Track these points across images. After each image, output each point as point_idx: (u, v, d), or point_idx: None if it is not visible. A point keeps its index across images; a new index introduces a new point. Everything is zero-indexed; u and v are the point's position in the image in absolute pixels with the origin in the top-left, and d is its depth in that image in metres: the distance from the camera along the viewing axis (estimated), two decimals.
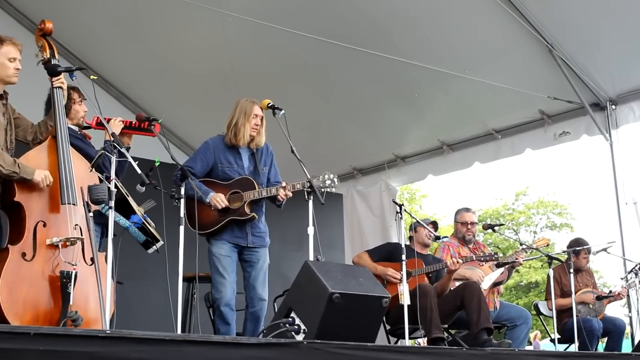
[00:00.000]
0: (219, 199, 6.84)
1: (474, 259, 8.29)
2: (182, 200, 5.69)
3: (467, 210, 9.28)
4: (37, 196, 5.35)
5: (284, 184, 6.90)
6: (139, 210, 6.25)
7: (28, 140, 5.87)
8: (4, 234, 5.47)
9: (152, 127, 6.25)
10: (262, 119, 7.11)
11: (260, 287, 6.95)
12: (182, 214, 5.64)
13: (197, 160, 7.01)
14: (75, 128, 6.42)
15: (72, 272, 5.15)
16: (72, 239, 5.27)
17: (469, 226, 9.04)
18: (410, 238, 8.64)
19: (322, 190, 7.08)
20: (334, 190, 7.15)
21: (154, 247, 6.16)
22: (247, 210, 6.92)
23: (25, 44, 5.77)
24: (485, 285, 8.48)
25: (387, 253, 8.31)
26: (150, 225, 6.23)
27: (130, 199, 6.19)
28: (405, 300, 7.05)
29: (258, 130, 7.09)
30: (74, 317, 4.91)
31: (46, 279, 5.16)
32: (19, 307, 5.01)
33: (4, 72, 5.60)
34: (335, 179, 6.93)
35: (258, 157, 7.19)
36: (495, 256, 8.30)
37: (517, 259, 8.62)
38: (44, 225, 5.27)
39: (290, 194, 6.88)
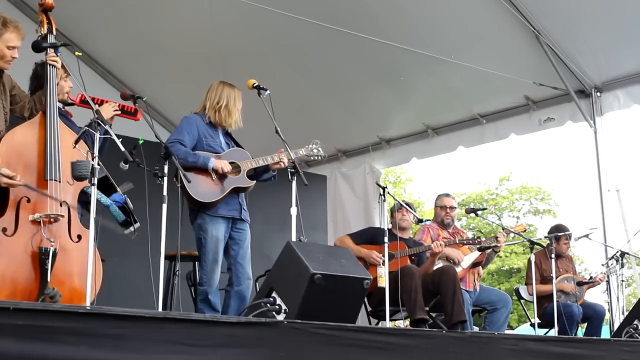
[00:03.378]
0: (224, 162, 6.84)
1: (457, 242, 8.40)
2: (165, 179, 5.67)
3: (447, 195, 9.42)
4: (21, 172, 5.29)
5: (281, 150, 6.97)
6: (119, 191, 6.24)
7: (25, 116, 5.83)
8: None
9: (136, 112, 6.25)
10: None
11: (247, 265, 6.98)
12: (164, 192, 5.62)
13: (184, 133, 6.92)
14: (60, 104, 6.37)
15: (49, 248, 5.15)
16: (52, 216, 5.25)
17: (448, 210, 9.17)
18: (392, 223, 8.69)
19: (312, 158, 7.23)
20: (319, 158, 7.27)
21: (131, 228, 6.14)
22: (247, 179, 6.98)
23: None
24: (464, 264, 8.57)
25: (370, 237, 8.35)
26: (128, 206, 6.20)
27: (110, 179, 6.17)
28: (385, 282, 7.07)
29: None
30: (51, 293, 4.89)
31: (28, 255, 5.14)
32: None
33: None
34: (320, 148, 7.32)
35: (231, 134, 7.27)
36: (478, 240, 8.40)
37: (497, 240, 8.68)
38: (28, 201, 5.25)
39: (293, 158, 6.87)
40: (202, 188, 6.74)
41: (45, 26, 5.79)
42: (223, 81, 7.23)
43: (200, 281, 6.90)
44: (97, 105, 5.72)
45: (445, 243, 8.22)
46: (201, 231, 6.84)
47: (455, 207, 9.29)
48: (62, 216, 5.32)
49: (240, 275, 6.91)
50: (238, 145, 7.23)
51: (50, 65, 5.70)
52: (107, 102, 6.28)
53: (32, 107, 5.85)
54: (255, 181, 7.04)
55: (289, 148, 6.75)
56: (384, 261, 7.42)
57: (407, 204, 8.46)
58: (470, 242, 8.46)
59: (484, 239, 8.83)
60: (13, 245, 5.11)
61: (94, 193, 4.97)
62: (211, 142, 7.02)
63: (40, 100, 5.83)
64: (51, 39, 5.78)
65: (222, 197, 6.81)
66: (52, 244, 5.18)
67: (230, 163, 6.93)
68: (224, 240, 6.89)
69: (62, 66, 6.08)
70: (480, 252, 8.70)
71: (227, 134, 7.24)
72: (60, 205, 5.35)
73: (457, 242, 8.47)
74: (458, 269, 8.36)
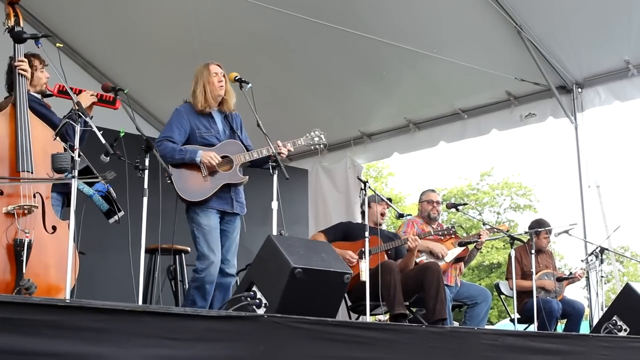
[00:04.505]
0: (212, 155, 6.70)
1: (433, 233, 8.46)
2: (146, 172, 5.64)
3: (433, 190, 9.52)
4: None
5: (279, 142, 6.82)
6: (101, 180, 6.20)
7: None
8: None
9: (115, 100, 6.22)
10: (224, 76, 6.99)
11: (232, 258, 6.89)
12: (145, 185, 5.60)
13: (174, 128, 6.80)
14: (38, 96, 6.32)
15: (24, 240, 5.12)
16: (25, 207, 5.23)
17: (435, 204, 9.23)
18: (363, 213, 8.67)
19: (312, 147, 7.16)
20: (321, 146, 7.21)
21: (116, 217, 6.11)
22: (239, 174, 6.86)
23: None
24: (447, 258, 8.61)
25: (342, 232, 8.36)
26: (111, 195, 6.17)
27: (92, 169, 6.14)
28: (366, 276, 7.07)
29: (225, 88, 6.99)
30: (26, 285, 4.87)
31: (3, 247, 5.11)
32: None
33: None
34: (322, 136, 7.16)
35: (231, 121, 7.08)
36: (453, 230, 8.47)
37: (479, 236, 8.72)
38: (1, 193, 5.22)
39: (292, 149, 6.90)
40: (190, 185, 6.65)
41: (12, 18, 5.74)
42: (201, 63, 7.10)
43: (196, 269, 6.68)
44: (75, 96, 5.69)
45: (420, 235, 8.27)
46: (193, 223, 6.73)
47: (441, 202, 9.35)
48: (36, 207, 5.29)
49: (224, 268, 6.82)
50: (231, 129, 7.05)
51: (18, 72, 5.68)
52: (84, 91, 6.25)
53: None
54: (247, 177, 6.90)
55: (270, 141, 6.70)
56: (360, 256, 7.44)
57: (387, 198, 8.48)
58: (446, 232, 8.52)
59: (464, 235, 8.88)
60: None
61: (75, 186, 4.94)
62: (205, 134, 6.87)
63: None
64: (18, 29, 5.73)
65: (210, 195, 6.72)
66: (27, 235, 5.16)
67: (223, 157, 6.79)
68: (218, 227, 6.77)
69: (38, 57, 6.06)
70: (463, 248, 8.74)
71: (227, 120, 7.09)
72: (34, 196, 5.33)
73: (433, 233, 8.52)
74: (440, 263, 8.39)
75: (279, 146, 6.82)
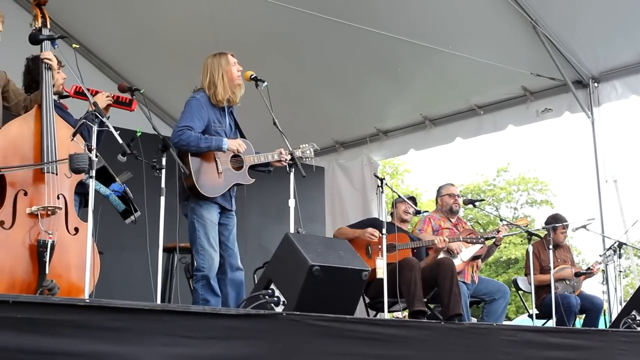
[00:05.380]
0: (239, 142, 6.67)
1: (462, 239, 8.41)
2: (163, 171, 5.65)
3: (452, 184, 9.47)
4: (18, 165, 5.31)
5: (282, 150, 6.78)
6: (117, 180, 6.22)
7: (20, 114, 5.78)
8: None
9: (131, 102, 6.23)
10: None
11: (237, 251, 6.80)
12: (162, 185, 5.61)
13: (195, 118, 6.56)
14: (55, 97, 6.32)
15: (48, 240, 5.14)
16: (50, 208, 5.25)
17: (456, 197, 9.21)
18: (392, 214, 8.69)
19: (304, 159, 7.11)
20: (313, 162, 7.18)
21: (132, 217, 6.11)
22: (248, 175, 6.80)
23: (13, 16, 5.70)
24: (464, 257, 8.56)
25: (370, 225, 8.32)
26: (128, 195, 6.17)
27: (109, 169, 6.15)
28: (384, 274, 7.06)
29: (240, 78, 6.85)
30: (49, 285, 4.88)
31: (26, 248, 5.14)
32: None
33: None
34: (312, 149, 7.09)
35: (234, 114, 7.00)
36: (482, 239, 8.41)
37: (498, 232, 8.68)
38: (25, 194, 5.24)
39: (290, 150, 6.78)
40: (206, 181, 6.54)
41: (40, 20, 5.77)
42: (212, 54, 6.94)
43: (198, 267, 6.59)
44: (92, 96, 5.70)
45: (448, 239, 8.24)
46: (194, 215, 6.59)
47: (460, 196, 9.34)
48: (60, 208, 5.32)
49: (233, 261, 6.74)
50: (236, 125, 6.99)
51: (43, 62, 5.69)
52: (100, 92, 6.27)
53: (27, 105, 5.81)
54: (254, 179, 6.90)
55: (287, 140, 6.69)
56: (379, 240, 7.43)
57: (409, 198, 8.47)
58: (475, 240, 8.45)
59: (487, 231, 8.85)
60: (11, 238, 5.11)
61: (92, 185, 4.96)
62: (218, 128, 6.73)
63: (37, 99, 5.78)
64: (46, 33, 5.76)
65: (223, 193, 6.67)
66: (50, 236, 5.18)
67: (235, 156, 6.74)
68: (217, 223, 6.71)
69: (55, 57, 6.07)
70: (481, 246, 8.70)
71: (232, 114, 6.97)
72: (58, 197, 5.35)
73: (462, 239, 8.46)
74: (457, 261, 8.36)
75: (281, 153, 6.81)
